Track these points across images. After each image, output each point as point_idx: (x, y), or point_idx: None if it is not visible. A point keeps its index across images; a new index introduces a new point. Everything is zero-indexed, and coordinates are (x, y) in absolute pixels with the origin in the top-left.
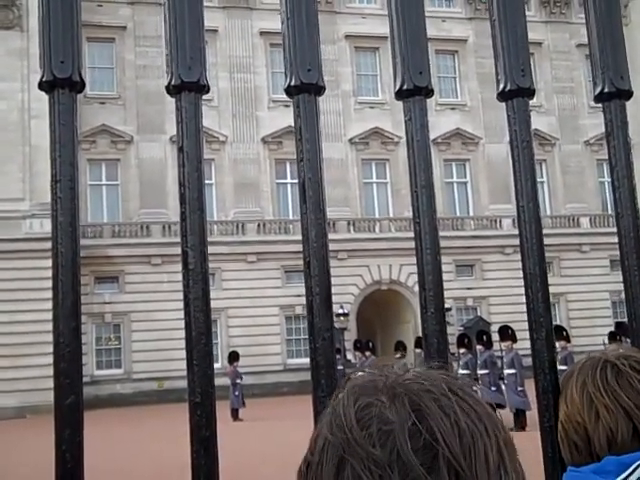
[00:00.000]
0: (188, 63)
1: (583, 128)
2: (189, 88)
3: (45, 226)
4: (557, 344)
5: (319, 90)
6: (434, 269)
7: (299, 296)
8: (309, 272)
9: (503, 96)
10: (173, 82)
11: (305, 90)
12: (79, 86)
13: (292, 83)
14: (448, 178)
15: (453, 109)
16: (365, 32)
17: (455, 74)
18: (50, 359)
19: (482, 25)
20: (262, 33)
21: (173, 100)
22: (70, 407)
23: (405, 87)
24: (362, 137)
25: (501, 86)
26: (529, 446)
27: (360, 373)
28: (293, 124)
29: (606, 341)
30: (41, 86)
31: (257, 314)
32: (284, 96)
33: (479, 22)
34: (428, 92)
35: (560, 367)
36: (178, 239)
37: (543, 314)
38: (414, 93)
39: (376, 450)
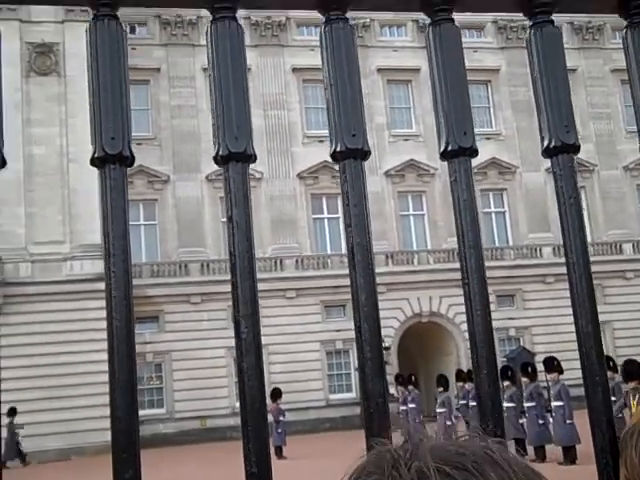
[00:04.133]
0: (235, 133)
1: (621, 153)
2: (236, 158)
3: (85, 268)
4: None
5: (365, 155)
6: (485, 329)
7: (339, 331)
8: (360, 337)
9: (548, 152)
10: (221, 152)
11: (351, 155)
12: (129, 160)
13: (337, 149)
14: (486, 208)
15: (488, 139)
16: (397, 65)
17: (489, 104)
18: (93, 400)
19: (514, 54)
20: (294, 69)
21: (207, 139)
22: None
23: (450, 148)
24: (397, 170)
25: (545, 143)
26: None
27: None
28: (338, 182)
29: None
30: (93, 162)
31: (298, 350)
32: (318, 131)
33: (511, 51)
34: (472, 152)
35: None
36: (217, 277)
37: (598, 373)
38: (458, 154)
39: None
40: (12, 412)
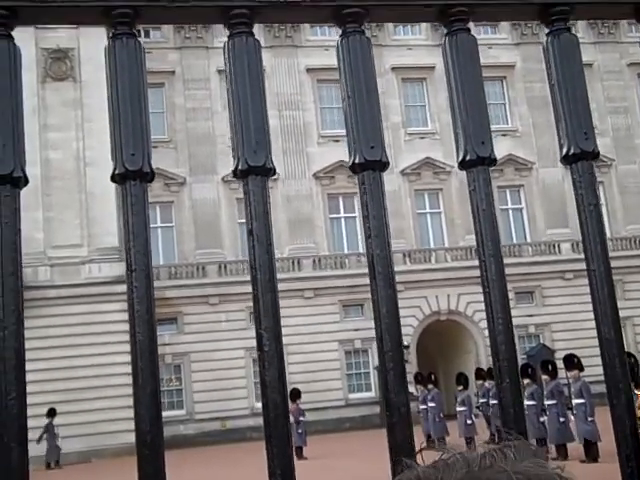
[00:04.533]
0: (253, 147)
1: (639, 147)
2: (256, 172)
3: (104, 270)
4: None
5: (383, 166)
6: (506, 339)
7: (357, 330)
8: (382, 347)
9: (567, 160)
10: (240, 167)
11: (369, 167)
12: (149, 176)
13: (356, 161)
14: (503, 205)
15: (504, 135)
16: (411, 63)
17: (504, 100)
18: (113, 402)
19: (529, 50)
20: (309, 70)
21: (223, 141)
22: None
23: (468, 158)
24: (414, 168)
25: (564, 150)
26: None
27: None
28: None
29: None
30: (113, 179)
31: (316, 350)
32: (333, 131)
33: (526, 47)
34: (491, 162)
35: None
36: (234, 278)
37: (621, 379)
38: (477, 163)
39: None
40: (52, 413)
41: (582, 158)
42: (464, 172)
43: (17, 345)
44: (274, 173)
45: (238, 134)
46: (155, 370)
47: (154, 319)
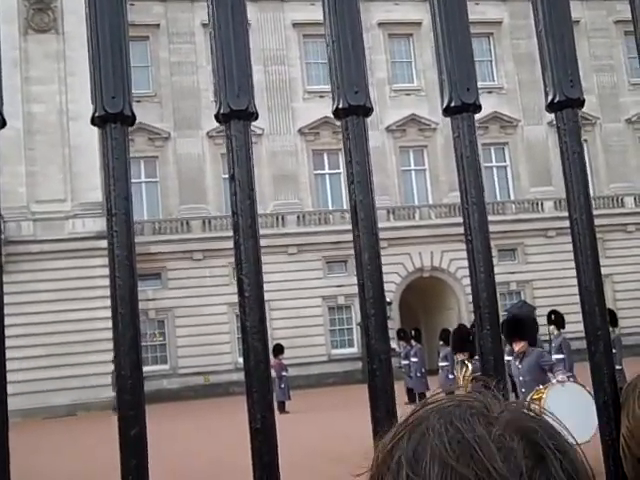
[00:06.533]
0: (236, 91)
1: (624, 106)
2: (238, 116)
3: (87, 225)
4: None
5: (367, 112)
6: (488, 286)
7: (341, 286)
8: (363, 295)
9: (552, 107)
10: (222, 110)
11: (353, 112)
12: (130, 120)
13: (340, 106)
14: (487, 162)
15: (490, 92)
16: (398, 19)
17: (490, 57)
18: (98, 357)
19: (517, 6)
20: (295, 25)
21: (207, 96)
22: (135, 438)
23: (453, 104)
24: (399, 124)
25: (550, 97)
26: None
27: (447, 400)
28: (343, 142)
29: None
30: (93, 121)
31: (300, 306)
32: (319, 87)
33: (513, 3)
34: (476, 108)
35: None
36: (218, 234)
37: (601, 326)
38: (462, 110)
39: None
40: None
41: (567, 106)
42: (449, 129)
43: None
44: (256, 117)
45: (221, 78)
46: (135, 317)
47: (134, 265)
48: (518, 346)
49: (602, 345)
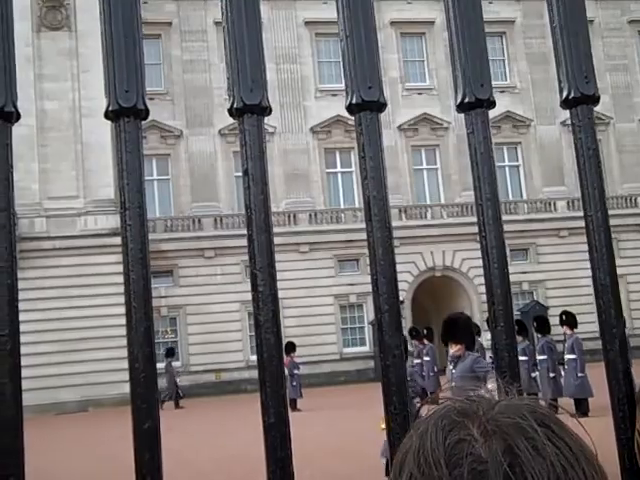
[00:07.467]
0: (249, 86)
1: (638, 106)
2: (251, 110)
3: (99, 222)
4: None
5: (381, 107)
6: (502, 283)
7: (352, 285)
8: (377, 290)
9: (567, 104)
10: (235, 105)
11: (366, 108)
12: (144, 113)
13: (353, 101)
14: (500, 162)
15: (502, 92)
16: (411, 18)
17: (503, 56)
18: (109, 353)
19: (530, 5)
20: (307, 23)
21: (220, 94)
22: (148, 431)
23: (467, 100)
24: (411, 123)
25: (564, 93)
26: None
27: (444, 401)
28: (356, 139)
29: None
30: (107, 115)
31: (311, 304)
32: (331, 85)
33: (527, 2)
34: (490, 104)
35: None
36: (230, 232)
37: (615, 324)
38: (475, 106)
39: None
40: (171, 353)
41: (582, 102)
42: (461, 128)
43: (10, 282)
44: (270, 112)
45: (234, 72)
46: (148, 310)
47: (147, 258)
48: (453, 349)
49: (617, 342)
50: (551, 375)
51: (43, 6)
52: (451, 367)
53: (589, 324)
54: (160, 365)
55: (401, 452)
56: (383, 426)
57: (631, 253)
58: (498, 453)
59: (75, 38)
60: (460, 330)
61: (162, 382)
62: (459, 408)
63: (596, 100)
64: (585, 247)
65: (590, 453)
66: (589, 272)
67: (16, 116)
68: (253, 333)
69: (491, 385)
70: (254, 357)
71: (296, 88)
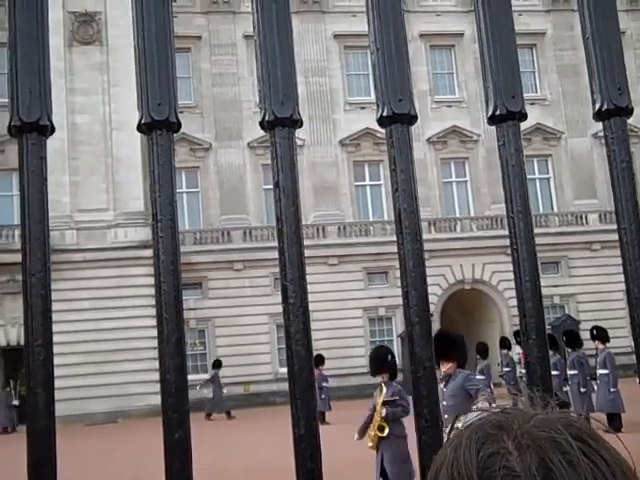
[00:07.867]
0: (281, 99)
1: None
2: (283, 123)
3: (129, 235)
4: None
5: (411, 120)
6: (534, 296)
7: (381, 298)
8: (408, 302)
9: (600, 116)
10: (267, 118)
11: (397, 120)
12: (176, 126)
13: (384, 114)
14: (530, 174)
15: (533, 104)
16: (440, 30)
17: (534, 68)
18: (139, 365)
19: (560, 17)
20: (336, 36)
21: (249, 107)
22: (179, 441)
23: (498, 112)
24: (440, 136)
25: (597, 105)
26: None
27: (478, 414)
28: (386, 150)
29: None
30: (140, 128)
31: (340, 317)
32: (360, 98)
33: (557, 14)
34: (522, 116)
35: None
36: (259, 244)
37: None
38: (507, 118)
39: None
40: (218, 364)
41: (615, 114)
42: (491, 141)
43: (44, 292)
44: (301, 125)
45: (265, 86)
46: (180, 321)
47: (179, 269)
48: (445, 367)
49: None
50: (582, 390)
51: (75, 21)
52: (442, 385)
53: (622, 339)
54: (201, 376)
55: (435, 465)
56: (370, 444)
57: None
58: (532, 467)
59: (106, 53)
60: (456, 348)
61: (198, 392)
62: (494, 421)
63: (629, 112)
64: (618, 260)
65: (628, 467)
66: (622, 286)
67: (51, 129)
68: (282, 345)
69: (481, 404)
70: (283, 369)
71: (325, 101)
